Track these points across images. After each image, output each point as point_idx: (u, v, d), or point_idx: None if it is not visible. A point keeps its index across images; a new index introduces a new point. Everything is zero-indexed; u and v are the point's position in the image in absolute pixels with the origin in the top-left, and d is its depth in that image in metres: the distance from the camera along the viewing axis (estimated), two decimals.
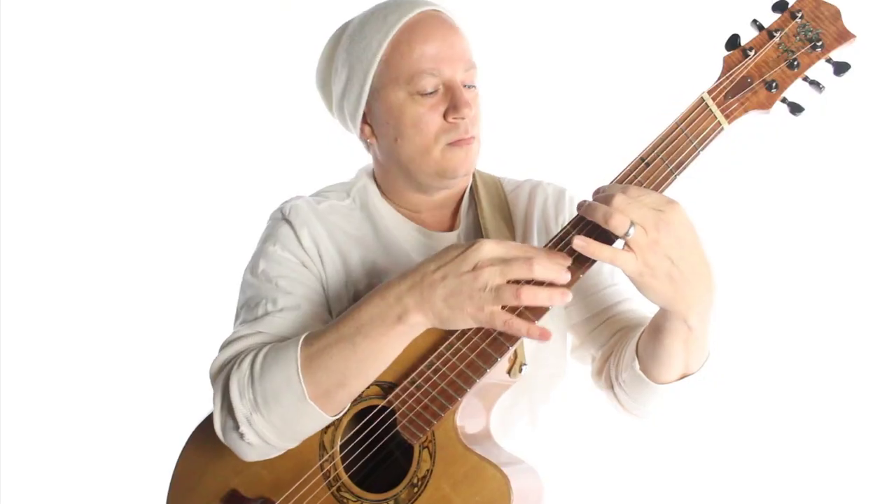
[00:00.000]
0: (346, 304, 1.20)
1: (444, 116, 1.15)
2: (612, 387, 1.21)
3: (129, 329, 2.51)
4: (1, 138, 2.56)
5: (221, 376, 1.11)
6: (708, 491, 2.36)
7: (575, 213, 1.25)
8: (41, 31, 2.55)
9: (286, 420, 1.06)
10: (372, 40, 1.16)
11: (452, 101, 1.14)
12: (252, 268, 1.22)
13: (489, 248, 0.99)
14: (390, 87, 1.16)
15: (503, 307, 0.98)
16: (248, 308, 1.18)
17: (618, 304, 1.25)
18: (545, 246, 1.02)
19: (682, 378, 1.09)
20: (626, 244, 0.93)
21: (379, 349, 1.04)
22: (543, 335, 0.98)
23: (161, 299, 2.51)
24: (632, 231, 0.91)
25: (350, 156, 1.45)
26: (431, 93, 1.15)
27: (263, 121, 2.58)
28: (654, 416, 1.19)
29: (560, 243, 1.01)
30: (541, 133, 2.43)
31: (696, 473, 2.37)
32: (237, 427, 1.07)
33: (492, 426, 1.17)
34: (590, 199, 0.99)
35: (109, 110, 2.59)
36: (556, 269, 0.97)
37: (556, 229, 1.27)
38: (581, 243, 0.94)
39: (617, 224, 0.92)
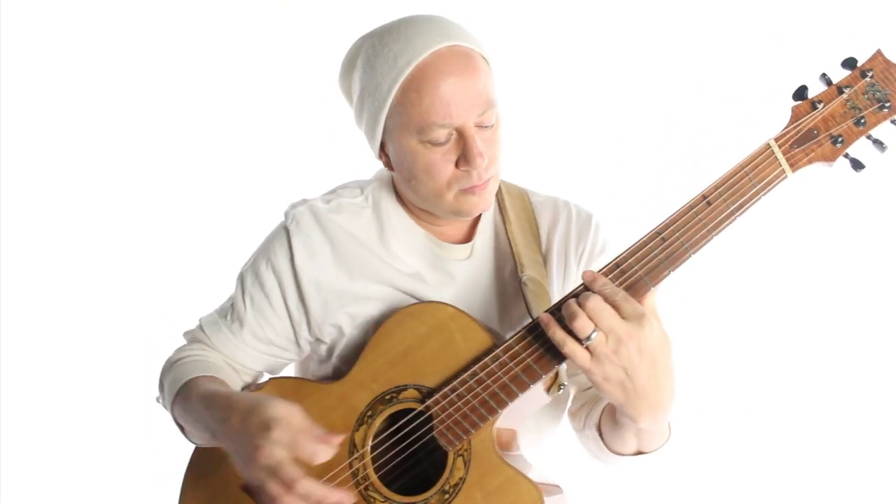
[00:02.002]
0: (349, 302, 1.21)
1: (457, 165, 1.12)
2: (580, 432, 1.28)
3: (139, 323, 2.49)
4: (1, 138, 2.52)
5: (175, 349, 1.29)
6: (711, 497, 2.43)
7: (598, 240, 1.29)
8: (41, 31, 2.52)
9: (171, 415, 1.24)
10: (382, 82, 1.11)
11: (464, 153, 1.10)
12: (244, 271, 1.27)
13: (275, 441, 0.99)
14: (402, 131, 1.12)
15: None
16: (226, 304, 1.30)
17: None
18: (533, 321, 1.05)
19: (637, 454, 1.16)
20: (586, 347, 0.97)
21: (199, 437, 1.19)
22: None
23: (167, 297, 2.48)
24: (594, 336, 0.96)
25: (352, 156, 1.47)
26: (444, 142, 1.11)
27: (264, 121, 2.55)
28: (619, 471, 1.25)
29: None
30: (559, 144, 2.45)
31: (704, 490, 2.44)
32: (158, 385, 1.27)
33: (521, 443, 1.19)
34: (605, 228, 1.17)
35: (111, 112, 2.56)
36: (319, 494, 0.99)
37: (574, 256, 1.29)
38: (545, 319, 1.00)
39: (579, 327, 0.96)
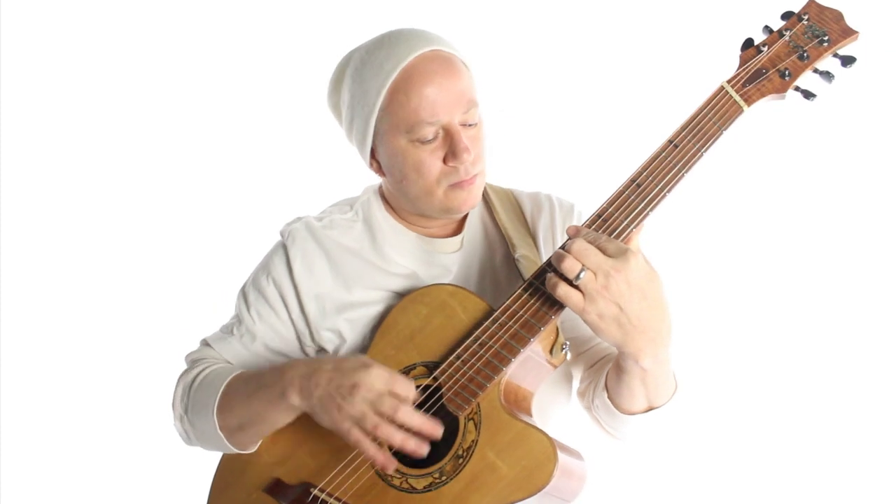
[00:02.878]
0: (347, 310, 1.25)
1: (445, 161, 1.18)
2: (590, 408, 1.28)
3: (141, 327, 2.53)
4: (1, 138, 2.59)
5: (181, 373, 1.32)
6: (719, 492, 2.37)
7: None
8: (41, 31, 2.59)
9: (205, 435, 1.24)
10: (370, 88, 1.19)
11: (451, 148, 1.17)
12: (246, 288, 1.32)
13: (375, 375, 1.07)
14: (391, 133, 1.19)
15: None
16: (230, 322, 1.34)
17: None
18: (528, 280, 1.11)
19: (648, 410, 1.16)
20: (577, 287, 1.02)
21: (265, 413, 1.17)
22: (385, 466, 1.09)
23: (174, 298, 2.52)
24: (582, 275, 1.01)
25: (346, 170, 1.54)
26: (431, 139, 1.17)
27: (262, 133, 2.62)
28: (632, 440, 1.25)
29: (540, 277, 1.09)
30: (542, 142, 2.51)
31: (706, 476, 2.38)
32: (174, 418, 1.29)
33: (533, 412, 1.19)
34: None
35: (112, 115, 2.61)
36: (418, 420, 1.06)
37: (562, 240, 1.34)
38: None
39: (567, 267, 1.01)
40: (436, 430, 1.07)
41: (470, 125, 1.20)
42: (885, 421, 2.35)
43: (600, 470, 1.33)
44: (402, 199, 1.28)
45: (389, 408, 1.06)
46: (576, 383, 1.34)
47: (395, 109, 1.18)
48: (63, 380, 2.56)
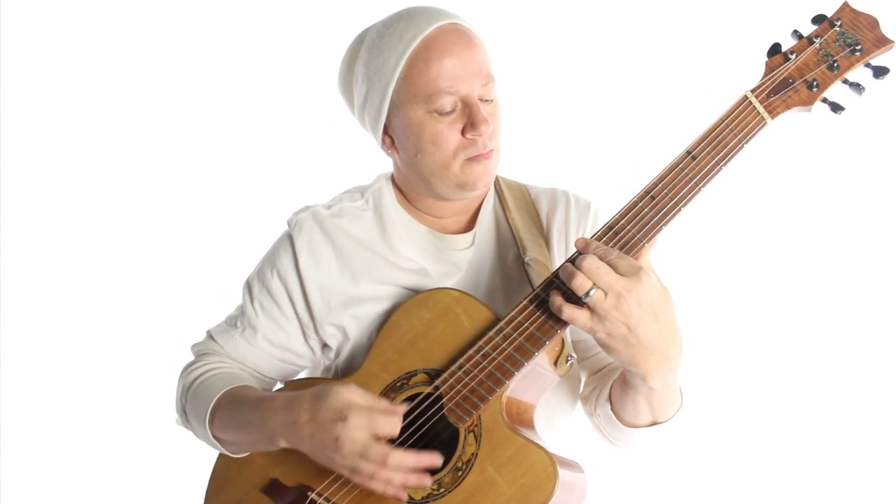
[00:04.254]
0: (353, 304, 1.23)
1: (463, 133, 1.17)
2: (592, 415, 1.27)
3: (143, 329, 2.52)
4: (1, 138, 2.58)
5: (184, 367, 1.32)
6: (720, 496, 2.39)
7: (597, 227, 1.31)
8: (41, 31, 2.57)
9: (203, 438, 1.25)
10: (389, 57, 1.17)
11: (470, 119, 1.15)
12: (251, 279, 1.31)
13: (353, 427, 1.03)
14: (409, 104, 1.17)
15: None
16: (234, 313, 1.33)
17: None
18: (534, 291, 1.07)
19: (652, 424, 1.15)
20: (585, 304, 0.99)
21: (255, 444, 1.18)
22: (399, 495, 1.06)
23: (176, 297, 2.52)
24: (592, 292, 0.97)
25: (354, 161, 1.51)
26: (450, 111, 1.16)
27: (267, 126, 2.59)
28: (632, 449, 1.24)
29: (547, 289, 1.06)
30: (556, 137, 2.48)
31: (712, 484, 2.40)
32: (176, 412, 1.31)
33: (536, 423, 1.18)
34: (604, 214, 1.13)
35: (113, 116, 2.61)
36: (411, 461, 1.04)
37: (575, 239, 1.30)
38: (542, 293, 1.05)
39: (577, 285, 0.98)
40: (433, 460, 1.05)
41: (487, 100, 1.19)
42: (885, 431, 2.35)
43: (604, 476, 1.33)
44: (414, 179, 1.25)
45: (379, 457, 1.03)
46: (580, 385, 1.32)
47: (415, 79, 1.16)
48: (64, 373, 2.56)
